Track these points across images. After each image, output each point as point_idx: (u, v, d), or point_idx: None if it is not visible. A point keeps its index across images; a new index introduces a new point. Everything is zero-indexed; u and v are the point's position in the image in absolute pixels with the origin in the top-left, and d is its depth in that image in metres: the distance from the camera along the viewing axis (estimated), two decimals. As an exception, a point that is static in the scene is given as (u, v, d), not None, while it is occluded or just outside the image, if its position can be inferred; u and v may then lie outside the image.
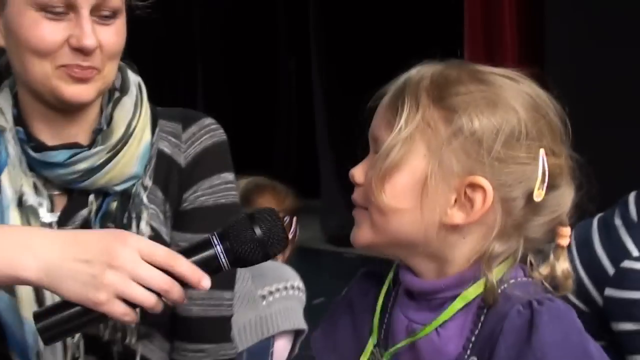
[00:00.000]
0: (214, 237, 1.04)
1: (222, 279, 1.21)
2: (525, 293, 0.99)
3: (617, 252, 1.38)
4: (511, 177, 1.00)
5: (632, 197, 1.45)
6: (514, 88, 1.02)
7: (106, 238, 1.02)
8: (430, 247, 1.01)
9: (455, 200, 0.99)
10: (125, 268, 0.99)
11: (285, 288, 1.81)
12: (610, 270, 1.38)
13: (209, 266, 1.03)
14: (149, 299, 1.01)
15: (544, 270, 1.01)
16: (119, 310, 1.00)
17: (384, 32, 5.01)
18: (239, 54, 6.11)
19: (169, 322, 1.29)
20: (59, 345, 1.21)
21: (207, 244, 1.04)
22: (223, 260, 1.03)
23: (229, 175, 1.32)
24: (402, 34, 4.87)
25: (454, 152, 0.99)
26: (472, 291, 1.00)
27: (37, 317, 1.01)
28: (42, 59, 1.15)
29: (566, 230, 1.02)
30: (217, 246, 1.03)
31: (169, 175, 1.28)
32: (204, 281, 1.02)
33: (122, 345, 1.22)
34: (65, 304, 1.01)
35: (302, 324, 1.82)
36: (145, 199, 1.25)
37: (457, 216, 0.99)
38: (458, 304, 1.00)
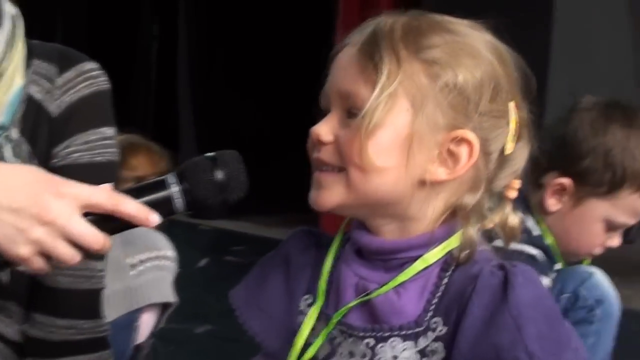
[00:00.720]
0: (170, 176, 0.97)
1: None
2: (487, 258, 0.98)
3: None
4: (491, 131, 0.99)
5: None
6: (481, 38, 1.01)
7: (36, 187, 0.92)
8: (403, 206, 0.98)
9: (437, 156, 0.97)
10: (56, 224, 0.90)
11: (157, 257, 1.70)
12: None
13: (161, 209, 0.96)
14: (73, 258, 0.93)
15: (496, 217, 1.00)
16: (37, 265, 0.92)
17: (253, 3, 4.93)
18: (102, 17, 5.89)
19: (27, 293, 1.19)
20: None
21: (161, 184, 0.97)
22: (178, 202, 0.96)
23: (108, 130, 1.21)
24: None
25: (440, 106, 0.97)
26: (434, 254, 0.98)
27: None
28: None
29: (518, 183, 1.02)
30: (173, 186, 0.96)
31: (37, 125, 1.15)
32: (152, 216, 0.95)
33: None
34: None
35: (171, 297, 1.73)
36: (9, 154, 1.13)
37: (440, 172, 0.97)
38: (418, 265, 0.98)
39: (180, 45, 5.09)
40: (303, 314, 1.07)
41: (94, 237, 0.93)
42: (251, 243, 3.79)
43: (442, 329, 0.97)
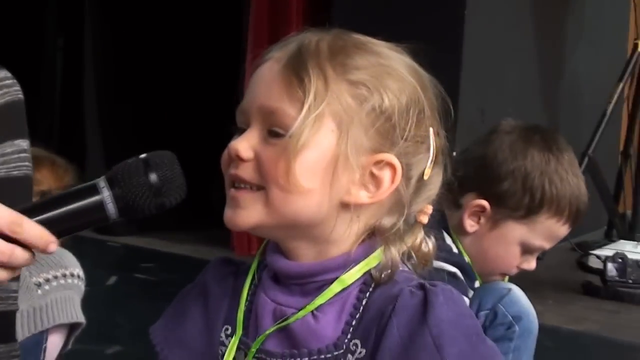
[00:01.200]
0: (101, 181, 0.92)
1: None
2: (407, 278, 0.97)
3: None
4: (413, 156, 0.99)
5: None
6: (403, 61, 1.01)
7: None
8: (323, 228, 0.97)
9: (359, 179, 0.95)
10: None
11: (64, 276, 1.64)
12: None
13: (93, 216, 0.92)
14: None
15: (409, 241, 1.00)
16: None
17: (164, 15, 4.87)
18: (5, 28, 5.72)
19: None
20: None
21: (91, 190, 0.92)
22: (111, 208, 0.92)
23: (23, 143, 1.18)
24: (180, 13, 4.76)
25: (365, 129, 0.96)
26: (352, 275, 0.97)
27: None
28: None
29: (430, 208, 1.03)
30: (104, 191, 0.91)
31: None
32: (51, 246, 0.91)
33: None
34: None
35: (80, 317, 1.67)
36: None
37: (362, 195, 0.96)
38: (336, 287, 0.97)
39: (87, 58, 4.98)
40: (224, 345, 1.05)
41: None
42: (161, 260, 3.72)
43: (361, 351, 0.96)
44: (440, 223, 1.55)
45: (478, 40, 3.40)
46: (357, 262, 0.98)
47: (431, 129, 0.99)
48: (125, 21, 4.86)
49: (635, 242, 3.84)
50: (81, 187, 0.94)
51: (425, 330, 0.91)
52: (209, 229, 4.00)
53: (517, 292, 1.65)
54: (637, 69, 4.03)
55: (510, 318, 1.61)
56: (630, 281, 3.34)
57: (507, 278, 1.75)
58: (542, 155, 1.63)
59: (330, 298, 0.98)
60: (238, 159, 0.97)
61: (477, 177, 1.62)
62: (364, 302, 0.97)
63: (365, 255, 0.98)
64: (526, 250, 1.66)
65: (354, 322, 0.97)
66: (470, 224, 1.64)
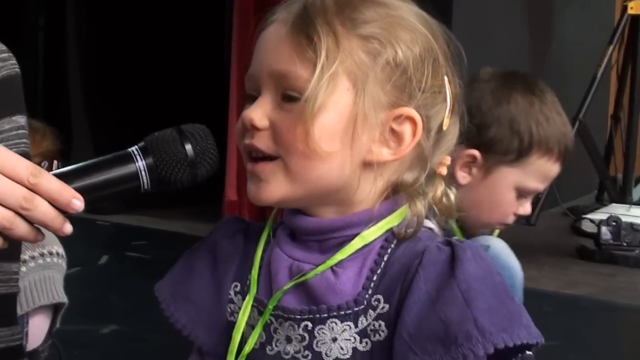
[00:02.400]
0: (135, 150, 0.88)
1: (8, 248, 1.05)
2: (430, 236, 0.95)
3: None
4: (432, 107, 0.95)
5: None
6: (412, 11, 0.98)
7: None
8: (349, 191, 0.94)
9: (380, 136, 0.92)
10: None
11: (42, 255, 1.56)
12: None
13: (127, 186, 0.88)
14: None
15: (430, 194, 0.97)
16: None
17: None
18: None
19: None
20: None
21: (126, 158, 0.88)
22: (145, 178, 0.87)
23: (21, 119, 1.13)
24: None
25: (381, 84, 0.92)
26: (373, 232, 0.94)
27: None
28: None
29: (449, 159, 1.00)
30: (138, 160, 0.87)
31: None
32: (75, 202, 0.84)
33: None
34: None
35: (62, 297, 1.60)
36: None
37: (384, 152, 0.93)
38: (357, 243, 0.94)
39: (69, 37, 4.93)
40: (233, 302, 1.02)
41: None
42: (152, 237, 3.70)
43: (383, 307, 0.93)
44: None
45: (467, 4, 3.37)
46: (379, 219, 0.94)
47: (446, 78, 0.96)
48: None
49: (627, 205, 3.84)
50: (113, 155, 0.89)
51: (454, 285, 0.89)
52: (198, 205, 3.99)
53: (496, 247, 1.62)
54: (627, 32, 4.01)
55: None
56: (625, 244, 3.34)
57: (496, 233, 1.73)
58: (525, 98, 1.62)
59: (351, 254, 0.94)
60: (253, 129, 0.93)
61: (463, 128, 1.60)
62: (385, 258, 0.95)
63: (388, 212, 0.95)
64: (521, 194, 1.64)
65: (375, 278, 0.94)
66: (462, 176, 1.61)
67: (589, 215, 3.82)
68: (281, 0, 0.98)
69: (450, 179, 1.58)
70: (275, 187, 0.93)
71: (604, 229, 3.37)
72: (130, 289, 2.83)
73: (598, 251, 3.37)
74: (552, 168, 1.66)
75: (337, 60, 0.90)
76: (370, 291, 0.94)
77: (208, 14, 4.51)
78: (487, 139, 1.60)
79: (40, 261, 1.55)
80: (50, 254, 1.57)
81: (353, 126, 0.91)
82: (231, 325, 1.02)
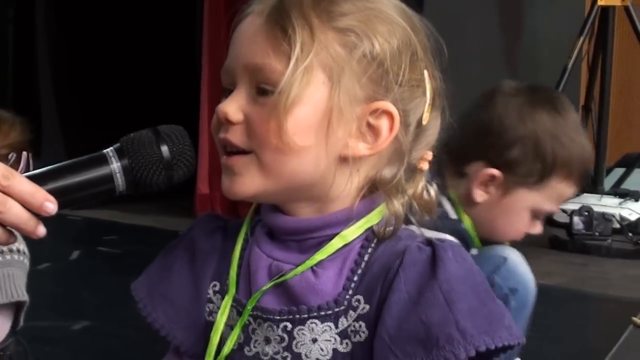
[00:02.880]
0: (110, 151, 0.86)
1: None
2: (410, 235, 0.94)
3: None
4: (410, 101, 0.94)
5: None
6: (390, 3, 0.96)
7: None
8: (325, 186, 0.92)
9: (356, 130, 0.91)
10: None
11: (2, 252, 1.52)
12: None
13: (101, 188, 0.86)
14: None
15: (410, 190, 0.96)
16: None
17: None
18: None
19: None
20: None
21: (101, 160, 0.86)
22: (120, 180, 0.86)
23: None
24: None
25: (357, 77, 0.90)
26: (353, 231, 0.93)
27: None
28: None
29: (430, 154, 0.98)
30: (114, 162, 0.85)
31: None
32: (47, 205, 0.83)
33: None
34: None
35: (22, 295, 1.55)
36: None
37: (360, 147, 0.91)
38: (337, 242, 0.93)
39: (38, 30, 4.87)
40: (212, 301, 1.00)
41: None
42: (124, 232, 3.67)
43: (364, 307, 0.92)
44: (438, 186, 1.52)
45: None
46: (359, 217, 0.93)
47: (425, 72, 0.95)
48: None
49: (599, 195, 3.86)
50: (88, 156, 0.87)
51: (435, 286, 0.88)
52: (169, 198, 3.96)
53: (515, 259, 1.59)
54: (597, 23, 4.03)
55: (507, 290, 1.56)
56: (597, 234, 3.36)
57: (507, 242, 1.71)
58: (551, 118, 1.56)
59: (331, 254, 0.94)
60: (227, 122, 0.92)
61: (482, 144, 1.54)
62: (365, 258, 0.94)
63: (367, 211, 0.94)
64: (535, 214, 1.61)
65: (355, 278, 0.93)
66: (480, 194, 1.56)
67: (561, 206, 3.83)
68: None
69: (466, 196, 1.55)
70: (248, 181, 0.92)
71: (576, 219, 3.39)
72: (101, 284, 2.81)
73: (570, 241, 3.39)
74: (569, 190, 1.62)
75: (312, 53, 0.89)
76: (350, 291, 0.93)
77: (179, 10, 4.47)
78: (510, 159, 1.55)
79: (0, 258, 1.52)
80: (11, 251, 1.54)
81: (328, 120, 0.90)
82: (209, 325, 1.00)
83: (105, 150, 0.87)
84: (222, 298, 0.99)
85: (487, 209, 1.59)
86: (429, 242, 0.93)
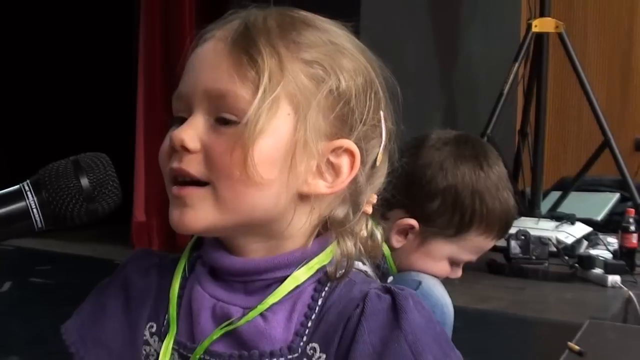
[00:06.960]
0: (25, 184, 0.81)
1: None
2: (364, 279, 0.90)
3: None
4: (368, 141, 0.91)
5: None
6: (350, 39, 0.93)
7: None
8: (281, 223, 0.88)
9: (317, 167, 0.87)
10: None
11: None
12: None
13: (18, 224, 0.81)
14: None
15: (358, 232, 0.92)
16: None
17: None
18: None
19: None
20: None
21: (16, 194, 0.81)
22: (37, 216, 0.81)
23: None
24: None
25: (323, 112, 0.87)
26: (305, 272, 0.89)
27: None
28: None
29: (375, 198, 0.96)
30: (29, 196, 0.80)
31: None
32: None
33: None
34: None
35: None
36: None
37: (320, 185, 0.88)
38: (289, 284, 0.88)
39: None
40: (149, 344, 0.95)
41: None
42: (58, 262, 3.59)
43: (320, 357, 0.88)
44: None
45: (373, 19, 3.38)
46: (311, 257, 0.89)
47: (381, 112, 0.92)
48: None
49: (536, 219, 3.90)
50: (6, 191, 0.82)
51: (401, 337, 0.85)
52: (104, 226, 3.87)
53: (428, 283, 1.59)
54: (532, 49, 4.08)
55: None
56: (534, 257, 3.38)
57: None
58: (473, 173, 1.57)
59: (283, 297, 0.89)
60: (183, 150, 0.86)
61: (405, 193, 1.54)
62: (320, 302, 0.90)
63: (321, 250, 0.90)
64: (454, 263, 1.61)
65: (309, 324, 0.89)
66: (397, 240, 1.57)
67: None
68: (185, 26, 0.93)
69: (387, 241, 1.55)
70: (201, 215, 0.87)
71: (513, 243, 3.41)
72: (34, 317, 2.73)
73: (508, 265, 3.40)
74: (489, 244, 1.62)
75: (280, 83, 0.86)
76: (305, 338, 0.89)
77: (116, 33, 4.42)
78: (429, 211, 1.56)
79: None
80: None
81: (292, 154, 0.86)
82: None
83: (21, 184, 0.83)
84: (160, 340, 0.94)
85: (405, 254, 1.59)
86: (387, 289, 0.89)
